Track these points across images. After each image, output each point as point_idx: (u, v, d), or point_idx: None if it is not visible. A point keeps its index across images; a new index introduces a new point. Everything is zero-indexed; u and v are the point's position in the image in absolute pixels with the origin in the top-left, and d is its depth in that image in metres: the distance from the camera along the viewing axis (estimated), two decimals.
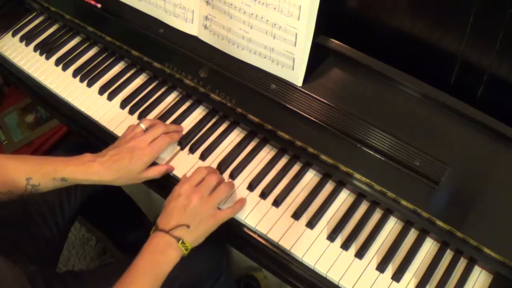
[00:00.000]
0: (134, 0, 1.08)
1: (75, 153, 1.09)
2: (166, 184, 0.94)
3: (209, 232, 0.84)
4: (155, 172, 0.92)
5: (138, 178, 0.91)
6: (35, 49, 1.18)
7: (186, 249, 0.81)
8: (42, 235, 1.03)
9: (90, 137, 1.06)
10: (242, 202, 0.87)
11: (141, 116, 1.02)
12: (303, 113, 0.90)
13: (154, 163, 0.93)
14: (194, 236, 0.82)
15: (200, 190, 0.84)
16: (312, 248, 0.83)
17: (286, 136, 0.92)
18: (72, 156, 0.90)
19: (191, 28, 1.02)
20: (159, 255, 0.79)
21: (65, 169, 0.87)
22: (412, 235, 0.84)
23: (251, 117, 0.95)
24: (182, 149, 0.97)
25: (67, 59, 1.14)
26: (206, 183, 0.85)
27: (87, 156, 0.90)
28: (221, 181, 0.88)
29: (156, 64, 1.05)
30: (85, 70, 1.11)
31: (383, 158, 0.85)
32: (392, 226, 0.85)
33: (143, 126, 0.94)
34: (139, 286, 0.77)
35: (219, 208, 0.87)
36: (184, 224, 0.81)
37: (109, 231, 1.49)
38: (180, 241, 0.80)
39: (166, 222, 0.81)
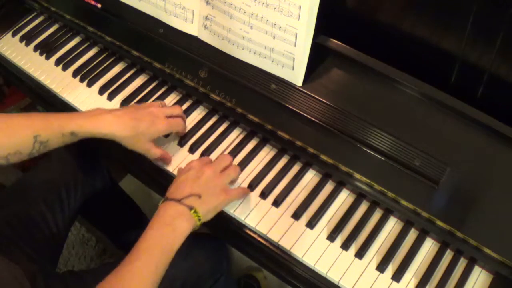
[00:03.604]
0: (134, 0, 1.08)
1: (75, 152, 1.09)
2: (166, 184, 0.94)
3: (220, 208, 0.83)
4: (157, 151, 0.91)
5: (144, 146, 0.90)
6: (35, 49, 1.18)
7: (199, 219, 0.78)
8: (42, 234, 1.03)
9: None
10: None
11: None
12: (303, 113, 0.90)
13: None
14: (206, 207, 0.79)
15: (213, 164, 0.84)
16: (312, 248, 0.83)
17: (286, 136, 0.92)
18: (81, 112, 0.89)
19: (191, 28, 1.02)
20: (169, 226, 0.76)
21: (73, 122, 0.85)
22: (412, 235, 0.84)
23: (251, 117, 0.95)
24: (181, 148, 0.97)
25: (67, 59, 1.14)
26: (218, 160, 0.86)
27: (99, 109, 0.88)
28: (231, 163, 0.89)
29: (156, 64, 1.05)
30: (85, 70, 1.11)
31: (383, 158, 0.85)
32: (392, 226, 0.86)
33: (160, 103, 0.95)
34: (145, 261, 0.73)
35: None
36: (197, 194, 0.79)
37: (109, 231, 1.49)
38: (193, 210, 0.77)
39: (177, 191, 0.79)
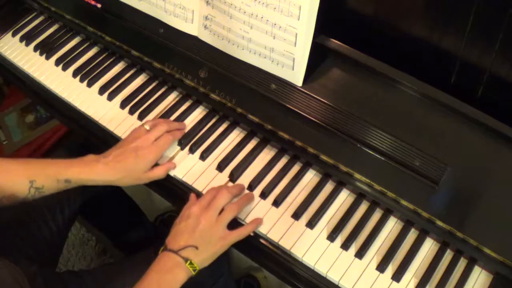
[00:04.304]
0: (134, 0, 1.08)
1: (75, 153, 1.09)
2: (166, 184, 0.94)
3: (219, 253, 0.84)
4: (159, 172, 0.92)
5: (142, 178, 0.91)
6: (35, 49, 1.18)
7: (194, 270, 0.80)
8: (42, 235, 1.03)
9: (90, 137, 1.06)
10: (255, 222, 0.86)
11: (141, 116, 1.02)
12: (303, 113, 0.90)
13: (156, 164, 0.93)
14: (202, 257, 0.81)
15: (209, 212, 0.83)
16: (312, 248, 0.83)
17: (286, 136, 0.92)
18: (75, 158, 0.90)
19: (191, 28, 1.02)
20: (167, 275, 0.79)
21: (68, 170, 0.87)
22: (412, 235, 0.84)
23: (251, 117, 0.95)
24: (182, 149, 0.97)
25: (67, 59, 1.14)
26: (214, 205, 0.85)
27: (91, 157, 0.90)
28: (238, 194, 0.88)
29: (156, 64, 1.05)
30: (85, 70, 1.11)
31: (383, 158, 0.85)
32: (392, 226, 0.85)
33: (146, 127, 0.94)
34: None
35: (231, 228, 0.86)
36: (193, 245, 0.80)
37: (109, 231, 1.49)
38: (188, 262, 0.79)
39: (174, 242, 0.81)
